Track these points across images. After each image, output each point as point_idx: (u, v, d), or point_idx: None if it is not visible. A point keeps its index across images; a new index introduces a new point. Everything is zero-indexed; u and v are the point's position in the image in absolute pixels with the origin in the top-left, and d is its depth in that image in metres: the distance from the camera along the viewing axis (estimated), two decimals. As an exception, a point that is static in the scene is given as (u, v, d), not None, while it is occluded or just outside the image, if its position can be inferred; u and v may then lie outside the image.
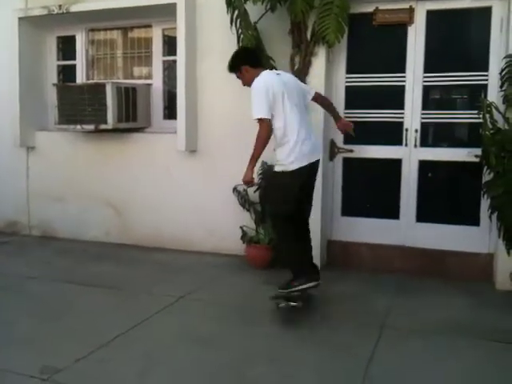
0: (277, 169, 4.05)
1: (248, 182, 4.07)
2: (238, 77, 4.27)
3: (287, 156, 3.94)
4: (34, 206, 6.61)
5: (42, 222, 6.58)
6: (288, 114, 3.95)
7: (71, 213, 6.36)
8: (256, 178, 4.92)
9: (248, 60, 4.22)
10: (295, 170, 3.94)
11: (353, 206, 5.38)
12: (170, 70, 6.15)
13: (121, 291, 4.60)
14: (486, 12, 4.78)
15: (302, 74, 5.00)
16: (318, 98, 4.45)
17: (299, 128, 3.96)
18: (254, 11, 4.96)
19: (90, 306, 4.25)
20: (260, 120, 3.88)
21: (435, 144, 5.11)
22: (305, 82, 5.01)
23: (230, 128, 5.49)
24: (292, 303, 3.96)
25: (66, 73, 6.68)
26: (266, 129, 3.88)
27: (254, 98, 3.92)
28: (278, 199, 4.06)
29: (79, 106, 5.80)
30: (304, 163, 3.96)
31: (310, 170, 4.06)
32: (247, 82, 4.16)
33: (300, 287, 3.99)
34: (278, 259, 5.14)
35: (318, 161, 4.15)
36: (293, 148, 3.93)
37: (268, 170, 4.95)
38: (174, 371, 3.19)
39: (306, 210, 4.33)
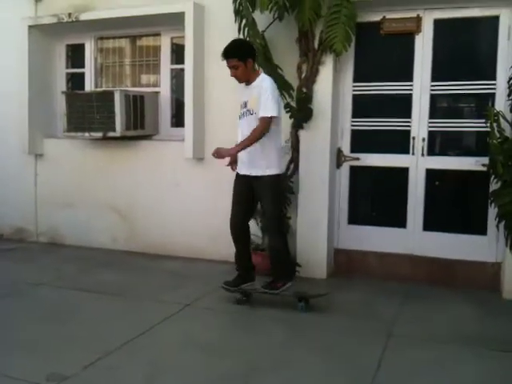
0: (273, 172, 4.21)
1: (220, 156, 4.21)
2: (233, 66, 4.17)
3: (278, 158, 4.27)
4: (41, 213, 6.64)
5: (50, 228, 6.60)
6: (280, 117, 4.22)
7: (79, 220, 6.39)
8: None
9: (254, 55, 4.25)
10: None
11: (359, 215, 5.38)
12: (177, 78, 6.18)
13: (128, 298, 4.61)
14: (493, 21, 4.79)
15: (309, 82, 5.02)
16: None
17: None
18: (261, 20, 4.99)
19: (97, 313, 4.26)
20: (270, 118, 4.03)
21: (442, 153, 5.10)
22: (312, 91, 5.05)
23: (237, 136, 5.49)
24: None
25: (75, 80, 6.74)
26: (268, 126, 4.06)
27: (271, 96, 4.04)
28: (281, 201, 4.47)
29: (88, 114, 5.84)
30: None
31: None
32: (243, 77, 4.19)
33: (287, 286, 4.31)
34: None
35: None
36: (280, 150, 4.34)
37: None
38: (180, 378, 3.19)
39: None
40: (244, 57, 4.13)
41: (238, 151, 4.18)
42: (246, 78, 4.21)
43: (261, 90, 4.10)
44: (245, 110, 4.28)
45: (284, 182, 4.49)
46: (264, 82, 4.13)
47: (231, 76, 4.25)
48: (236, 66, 4.14)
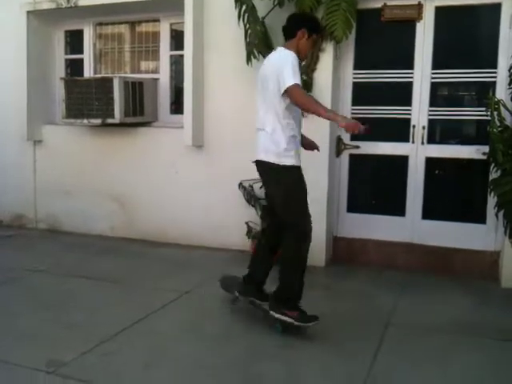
0: (288, 162, 3.53)
1: (355, 127, 3.31)
2: (298, 40, 3.64)
3: (293, 146, 3.55)
4: (40, 200, 6.63)
5: (49, 215, 6.60)
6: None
7: (78, 207, 6.38)
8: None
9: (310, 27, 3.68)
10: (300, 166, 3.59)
11: (359, 203, 5.37)
12: (177, 64, 6.14)
13: (126, 285, 4.62)
14: (495, 8, 4.74)
15: (309, 69, 4.99)
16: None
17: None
18: (261, 6, 4.96)
19: (95, 300, 4.27)
20: (294, 86, 3.36)
21: (442, 141, 5.08)
22: (312, 78, 5.02)
23: (236, 123, 5.48)
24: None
25: (74, 67, 6.70)
26: (302, 93, 3.43)
27: (288, 64, 3.40)
28: (305, 199, 3.61)
29: (86, 100, 5.81)
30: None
31: None
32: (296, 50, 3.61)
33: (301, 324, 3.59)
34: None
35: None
36: (295, 138, 3.58)
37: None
38: (178, 365, 3.21)
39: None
40: (300, 27, 3.65)
41: (342, 117, 3.49)
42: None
43: None
44: None
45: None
46: (288, 52, 3.55)
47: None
48: (296, 38, 3.65)
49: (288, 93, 3.40)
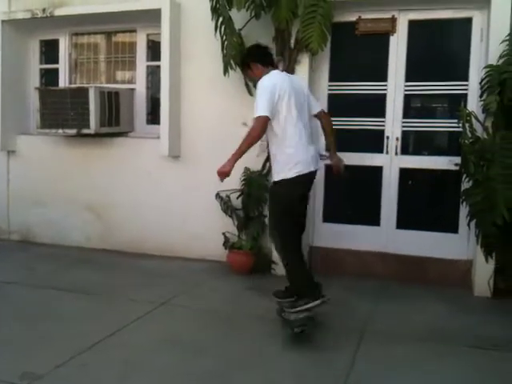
0: (276, 178, 3.85)
1: (223, 174, 3.67)
2: (248, 75, 4.28)
3: (286, 163, 3.76)
4: (13, 211, 6.54)
5: (22, 226, 6.51)
6: (292, 116, 3.76)
7: (52, 217, 6.31)
8: (239, 183, 4.97)
9: (257, 57, 4.06)
10: (295, 178, 3.75)
11: (334, 213, 5.42)
12: (153, 75, 6.14)
13: (101, 297, 4.57)
14: (466, 23, 4.87)
15: (285, 81, 5.03)
16: (323, 118, 4.24)
17: (300, 134, 3.80)
18: (238, 18, 5.00)
19: (70, 312, 4.21)
20: (258, 117, 3.65)
21: (416, 152, 5.17)
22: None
23: (213, 134, 5.51)
24: (296, 329, 3.67)
25: (49, 77, 6.65)
26: (261, 126, 3.65)
27: (257, 97, 3.72)
28: (279, 212, 3.82)
29: (62, 110, 5.76)
30: (304, 171, 3.78)
31: (308, 179, 3.90)
32: (257, 79, 3.93)
33: (305, 306, 3.69)
34: (259, 265, 5.19)
35: (316, 171, 3.96)
36: (293, 154, 3.75)
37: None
38: (154, 377, 3.18)
39: (303, 224, 4.13)
40: (245, 64, 4.16)
41: (233, 162, 3.67)
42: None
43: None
44: None
45: (290, 188, 3.82)
46: (260, 81, 3.82)
47: None
48: (250, 74, 4.19)
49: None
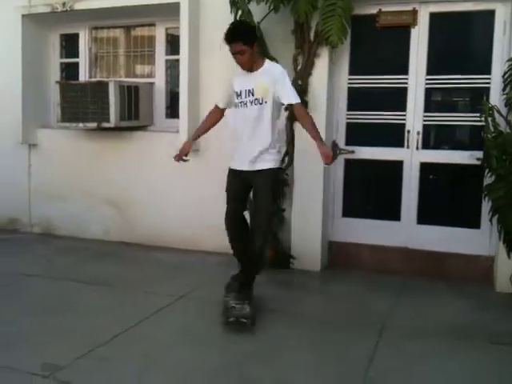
0: (277, 165, 4.01)
1: (330, 157, 3.73)
2: (238, 51, 3.72)
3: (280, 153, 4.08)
4: (35, 204, 6.61)
5: (43, 219, 6.58)
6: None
7: (72, 210, 6.37)
8: None
9: (257, 39, 3.89)
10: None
11: (354, 207, 5.38)
12: (172, 68, 6.15)
13: (121, 290, 4.60)
14: (489, 15, 4.78)
15: (304, 74, 5.01)
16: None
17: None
18: (257, 11, 4.97)
19: (90, 304, 4.25)
20: (301, 104, 3.85)
21: (437, 146, 5.11)
22: (307, 83, 5.02)
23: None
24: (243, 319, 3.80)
25: (69, 71, 6.69)
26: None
27: (288, 82, 3.76)
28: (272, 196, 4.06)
29: (82, 104, 5.80)
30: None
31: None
32: (249, 63, 3.76)
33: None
34: (278, 259, 5.17)
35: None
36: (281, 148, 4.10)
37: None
38: (173, 370, 3.20)
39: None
40: (250, 41, 3.72)
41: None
42: (251, 65, 3.79)
43: (275, 76, 3.72)
44: (251, 98, 3.81)
45: (280, 174, 4.27)
46: (276, 67, 3.79)
47: (237, 63, 3.80)
48: (242, 52, 3.69)
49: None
